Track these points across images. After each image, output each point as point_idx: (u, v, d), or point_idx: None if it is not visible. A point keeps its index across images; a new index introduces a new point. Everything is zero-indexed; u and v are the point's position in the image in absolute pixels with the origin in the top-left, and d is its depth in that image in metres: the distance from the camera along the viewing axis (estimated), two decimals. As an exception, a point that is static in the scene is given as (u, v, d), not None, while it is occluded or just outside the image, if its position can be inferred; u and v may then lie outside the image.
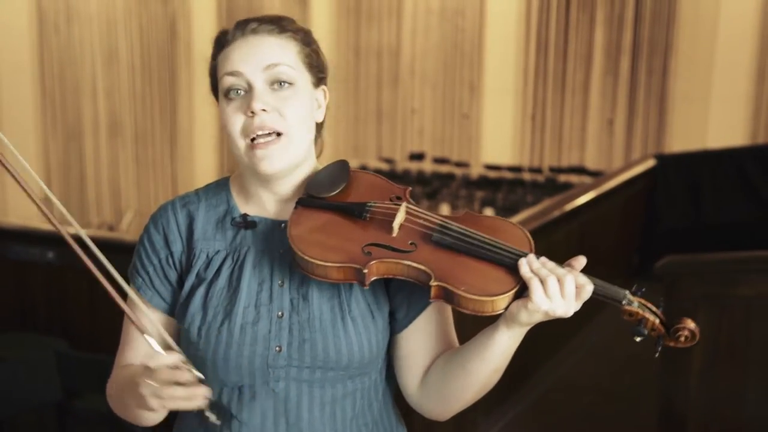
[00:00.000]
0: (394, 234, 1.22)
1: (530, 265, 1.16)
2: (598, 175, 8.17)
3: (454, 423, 3.69)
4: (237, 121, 1.23)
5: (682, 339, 1.20)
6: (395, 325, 1.28)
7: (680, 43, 8.73)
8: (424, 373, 1.28)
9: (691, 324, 1.20)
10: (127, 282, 1.25)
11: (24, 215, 7.75)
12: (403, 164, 10.83)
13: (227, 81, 1.24)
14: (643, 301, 1.20)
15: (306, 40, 1.29)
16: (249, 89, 1.23)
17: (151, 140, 9.82)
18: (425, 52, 10.33)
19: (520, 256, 1.17)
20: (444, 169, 10.67)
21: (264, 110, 1.22)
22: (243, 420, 1.25)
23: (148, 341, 1.14)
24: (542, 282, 1.14)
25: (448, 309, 1.30)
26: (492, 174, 10.23)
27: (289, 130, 1.24)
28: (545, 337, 4.67)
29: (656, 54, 8.89)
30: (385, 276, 1.20)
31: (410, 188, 1.32)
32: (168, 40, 9.84)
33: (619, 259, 6.14)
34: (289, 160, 1.25)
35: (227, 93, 1.24)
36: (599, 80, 9.31)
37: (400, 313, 1.27)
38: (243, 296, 1.24)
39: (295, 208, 1.26)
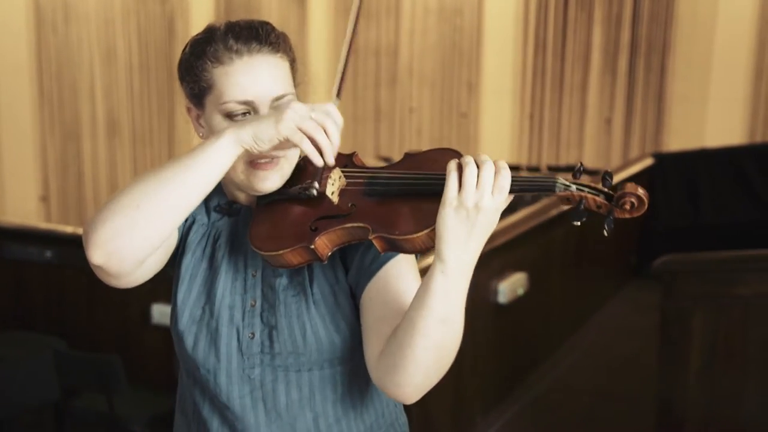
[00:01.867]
0: (336, 202, 1.23)
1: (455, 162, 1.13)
2: (596, 174, 8.16)
3: (452, 423, 3.69)
4: None
5: (628, 206, 1.10)
6: (356, 300, 1.28)
7: (678, 42, 8.73)
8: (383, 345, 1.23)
9: (635, 188, 1.09)
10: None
11: (22, 214, 7.74)
12: (402, 163, 10.82)
13: (234, 107, 1.24)
14: (580, 183, 1.13)
15: (290, 49, 1.31)
16: (252, 113, 1.24)
17: (149, 140, 9.80)
18: (423, 51, 10.32)
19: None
20: (442, 167, 10.64)
21: None
22: (224, 404, 1.30)
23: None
24: (461, 169, 1.10)
25: (407, 277, 1.26)
26: (490, 173, 10.21)
27: (288, 153, 1.26)
28: (543, 337, 4.68)
29: (654, 53, 8.89)
30: (338, 245, 1.21)
31: (356, 152, 1.33)
32: (166, 39, 9.82)
33: (618, 259, 6.14)
34: (284, 178, 1.28)
35: (229, 114, 1.24)
36: (597, 79, 9.31)
37: (355, 285, 1.28)
38: (221, 283, 1.30)
39: (255, 209, 1.29)
